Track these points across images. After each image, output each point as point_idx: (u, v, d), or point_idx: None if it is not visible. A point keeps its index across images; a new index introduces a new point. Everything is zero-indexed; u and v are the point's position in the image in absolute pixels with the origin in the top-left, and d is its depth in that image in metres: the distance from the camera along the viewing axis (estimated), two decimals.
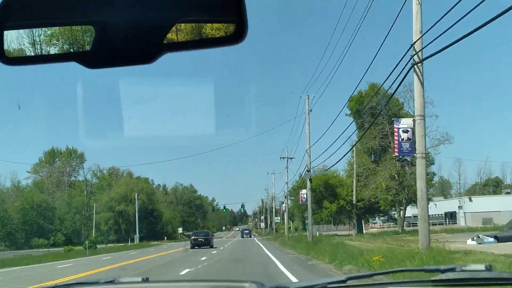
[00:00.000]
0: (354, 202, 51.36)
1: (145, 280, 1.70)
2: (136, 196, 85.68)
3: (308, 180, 39.59)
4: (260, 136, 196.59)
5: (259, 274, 15.56)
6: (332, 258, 18.86)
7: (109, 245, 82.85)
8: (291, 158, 63.23)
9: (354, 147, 52.05)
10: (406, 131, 15.58)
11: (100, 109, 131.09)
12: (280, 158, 64.35)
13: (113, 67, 1.13)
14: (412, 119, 16.32)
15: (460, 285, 1.94)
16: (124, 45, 1.08)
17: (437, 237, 37.27)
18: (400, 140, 15.38)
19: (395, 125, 16.15)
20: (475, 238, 28.32)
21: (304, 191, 41.48)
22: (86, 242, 46.90)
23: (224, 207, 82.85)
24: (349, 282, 1.91)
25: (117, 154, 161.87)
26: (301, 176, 55.68)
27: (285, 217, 64.75)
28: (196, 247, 41.09)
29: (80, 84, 53.88)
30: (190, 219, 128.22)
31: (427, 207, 15.56)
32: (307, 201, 40.89)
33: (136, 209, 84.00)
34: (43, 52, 1.14)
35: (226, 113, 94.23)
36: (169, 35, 1.10)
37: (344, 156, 49.11)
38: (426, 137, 15.36)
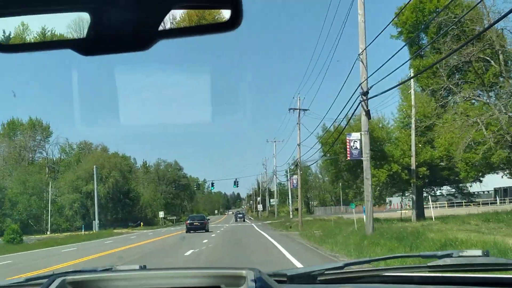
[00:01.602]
0: (414, 167, 31.45)
1: (143, 267, 1.77)
2: (94, 169, 65.29)
3: (362, 113, 19.62)
4: (256, 118, 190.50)
5: None
6: None
7: (65, 234, 63.19)
8: (304, 110, 43.19)
9: (413, 81, 32.29)
10: None
11: (96, 97, 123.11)
12: (289, 109, 44.30)
13: (107, 54, 1.11)
14: None
15: (457, 271, 1.91)
16: (118, 31, 1.07)
17: None
18: None
19: None
20: None
21: (355, 135, 21.44)
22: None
23: (212, 184, 63.90)
24: (346, 268, 1.92)
25: (113, 142, 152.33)
26: (326, 130, 35.63)
27: (299, 192, 44.69)
28: (191, 231, 40.25)
29: (75, 71, 50.32)
30: (175, 201, 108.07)
31: None
32: (359, 155, 21.02)
33: (95, 186, 63.82)
34: (37, 39, 1.12)
35: (222, 100, 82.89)
36: (164, 22, 1.09)
37: (409, 79, 29.00)
38: None
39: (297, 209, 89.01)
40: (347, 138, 21.43)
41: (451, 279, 1.90)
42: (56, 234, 64.06)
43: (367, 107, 19.49)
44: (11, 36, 1.11)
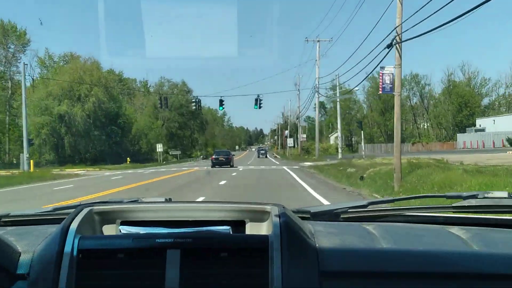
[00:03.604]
0: None
1: (168, 200, 1.79)
2: (22, 66, 41.54)
3: None
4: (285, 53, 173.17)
5: None
6: None
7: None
8: None
9: None
10: None
11: (122, 26, 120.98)
12: None
13: None
14: None
15: (481, 212, 1.93)
16: None
17: None
18: None
19: None
20: None
21: None
22: None
23: (221, 103, 39.46)
24: (370, 207, 1.97)
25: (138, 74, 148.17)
26: None
27: (396, 105, 19.51)
28: (217, 166, 38.61)
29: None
30: (181, 132, 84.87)
31: None
32: None
33: (23, 100, 39.97)
34: None
35: (249, 32, 75.11)
36: None
37: None
38: None
39: (348, 146, 64.12)
40: None
41: (475, 220, 1.90)
42: None
43: None
44: None
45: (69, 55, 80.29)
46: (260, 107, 42.20)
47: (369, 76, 51.15)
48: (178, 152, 74.32)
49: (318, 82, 45.05)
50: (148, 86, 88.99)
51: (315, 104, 56.24)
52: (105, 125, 66.98)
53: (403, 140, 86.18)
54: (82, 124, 64.26)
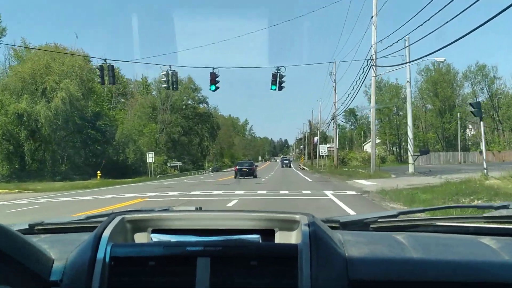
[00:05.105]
0: None
1: (199, 209, 1.78)
2: None
3: None
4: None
5: None
6: None
7: None
8: None
9: None
10: None
11: (155, 39, 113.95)
12: None
13: None
14: None
15: None
16: None
17: None
18: None
19: None
20: None
21: None
22: None
23: (213, 79, 22.28)
24: (400, 217, 1.93)
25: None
26: None
27: None
28: (240, 177, 37.75)
29: (136, 13, 27.56)
30: (186, 138, 67.58)
31: None
32: None
33: None
34: None
35: (279, 45, 69.93)
36: None
37: None
38: None
39: (421, 155, 45.54)
40: None
41: (506, 230, 1.82)
42: None
43: None
44: None
45: (51, 47, 64.02)
46: (280, 89, 24.97)
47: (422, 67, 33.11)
48: (179, 163, 57.17)
49: (376, 51, 27.30)
50: (147, 84, 72.18)
51: (353, 109, 37.36)
52: (80, 129, 50.32)
53: (466, 149, 67.74)
54: (48, 126, 47.71)
